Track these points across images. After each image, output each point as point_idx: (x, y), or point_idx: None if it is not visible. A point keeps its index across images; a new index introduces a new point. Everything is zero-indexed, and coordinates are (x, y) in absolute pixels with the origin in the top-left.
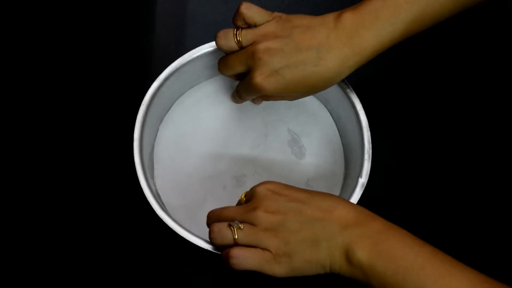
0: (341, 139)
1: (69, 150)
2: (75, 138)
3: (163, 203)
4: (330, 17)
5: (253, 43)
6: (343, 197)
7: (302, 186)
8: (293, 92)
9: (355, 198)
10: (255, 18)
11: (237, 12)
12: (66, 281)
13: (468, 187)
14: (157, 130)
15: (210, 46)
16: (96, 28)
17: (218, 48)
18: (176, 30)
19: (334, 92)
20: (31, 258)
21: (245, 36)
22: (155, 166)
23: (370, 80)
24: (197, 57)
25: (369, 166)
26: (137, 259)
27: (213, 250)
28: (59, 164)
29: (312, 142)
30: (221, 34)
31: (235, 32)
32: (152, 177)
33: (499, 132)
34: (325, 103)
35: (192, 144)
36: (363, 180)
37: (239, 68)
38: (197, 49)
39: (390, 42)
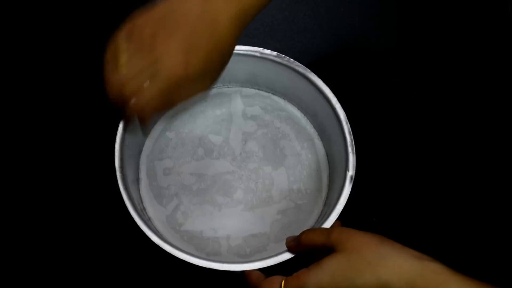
0: (319, 135)
1: (65, 148)
2: (73, 138)
3: (144, 209)
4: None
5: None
6: (332, 192)
7: (289, 190)
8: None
9: (346, 192)
10: None
11: None
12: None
13: (455, 173)
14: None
15: None
16: (96, 28)
17: None
18: None
19: (307, 90)
20: (11, 265)
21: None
22: (141, 167)
23: (348, 78)
24: None
25: (355, 158)
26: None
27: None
28: (51, 161)
29: (291, 143)
30: None
31: None
32: (137, 179)
33: (487, 121)
34: (299, 103)
35: (176, 155)
36: (351, 173)
37: None
38: None
39: None
